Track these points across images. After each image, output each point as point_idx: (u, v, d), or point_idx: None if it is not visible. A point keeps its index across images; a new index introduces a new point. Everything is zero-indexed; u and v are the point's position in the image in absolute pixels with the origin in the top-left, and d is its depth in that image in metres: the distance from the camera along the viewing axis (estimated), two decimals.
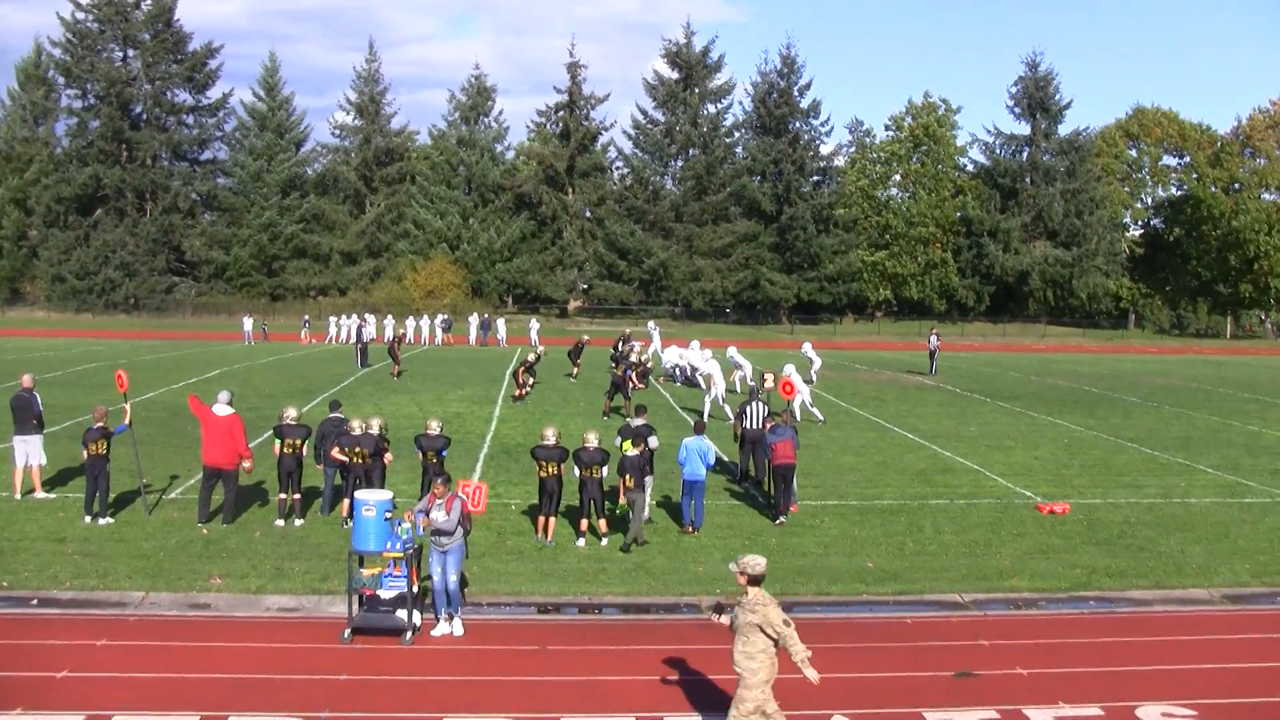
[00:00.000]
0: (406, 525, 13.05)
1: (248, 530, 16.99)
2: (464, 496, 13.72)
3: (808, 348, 41.64)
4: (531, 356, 35.46)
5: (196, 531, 16.80)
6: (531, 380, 34.27)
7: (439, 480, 13.19)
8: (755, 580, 9.47)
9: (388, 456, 17.38)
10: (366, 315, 65.43)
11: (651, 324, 53.90)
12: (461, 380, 40.22)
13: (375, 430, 17.48)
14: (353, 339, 57.98)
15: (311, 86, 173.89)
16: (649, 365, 38.29)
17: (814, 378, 40.42)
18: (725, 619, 9.87)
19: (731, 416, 29.00)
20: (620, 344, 38.61)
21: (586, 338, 43.61)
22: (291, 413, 18.03)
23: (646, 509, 17.49)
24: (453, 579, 12.87)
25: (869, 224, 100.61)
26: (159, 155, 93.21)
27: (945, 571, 15.59)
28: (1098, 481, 22.49)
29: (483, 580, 14.66)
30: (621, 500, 17.20)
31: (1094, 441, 28.17)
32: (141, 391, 33.92)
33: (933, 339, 48.69)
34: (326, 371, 42.94)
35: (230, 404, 17.72)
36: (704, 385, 33.97)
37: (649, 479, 17.49)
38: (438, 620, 12.88)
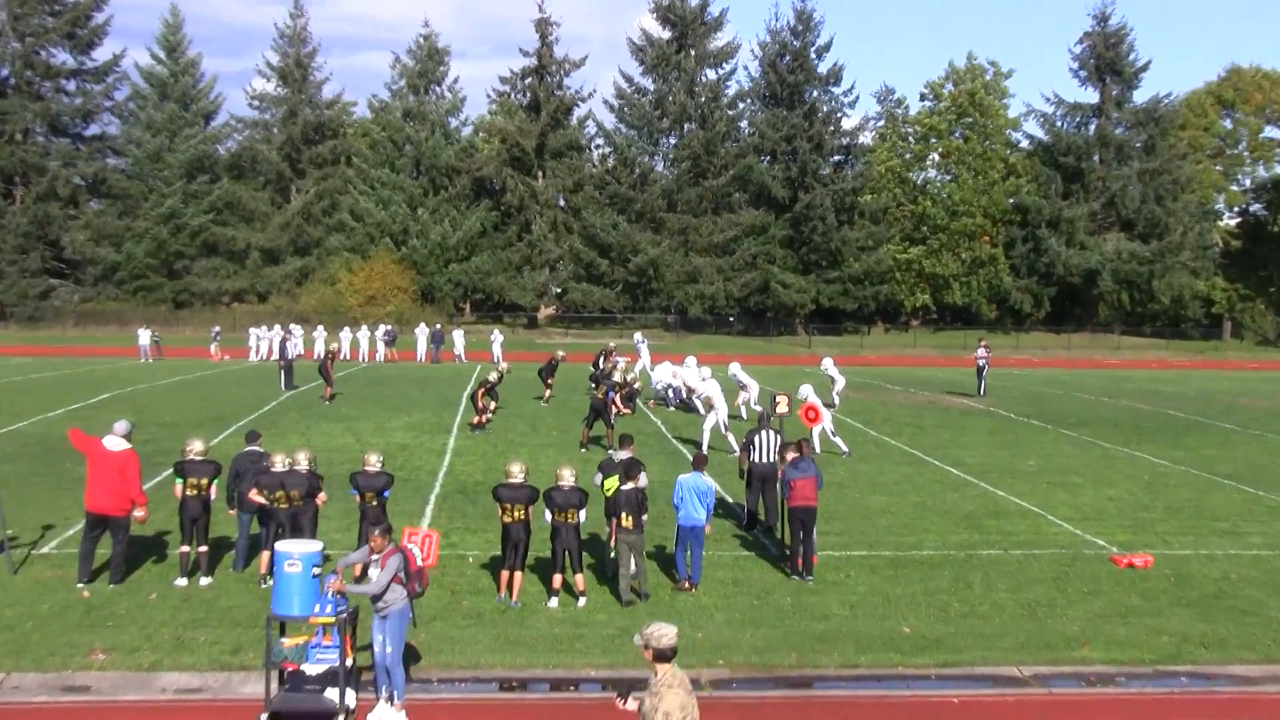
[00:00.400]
0: (329, 582, 12.91)
1: (140, 592, 16.80)
2: (412, 547, 13.59)
3: (829, 364, 41.66)
4: (493, 375, 35.35)
5: (75, 594, 16.60)
6: (493, 404, 34.15)
7: (376, 530, 13.04)
8: (662, 655, 9.06)
9: (321, 497, 17.24)
10: (292, 326, 65.32)
11: (639, 336, 53.91)
12: (408, 404, 40.08)
13: (304, 466, 17.33)
14: (275, 355, 57.94)
15: (223, 47, 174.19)
16: (636, 386, 38.16)
17: (836, 400, 40.42)
18: (634, 704, 9.34)
19: (736, 447, 28.89)
20: (601, 360, 38.57)
21: (561, 354, 43.48)
22: (197, 445, 17.86)
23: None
24: (390, 651, 12.73)
25: (902, 214, 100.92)
26: (31, 129, 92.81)
27: (999, 638, 15.49)
28: (1187, 527, 22.45)
29: (433, 650, 14.52)
30: (613, 544, 17.15)
31: (1182, 478, 28.15)
32: (8, 420, 33.69)
33: (980, 353, 48.76)
34: (243, 395, 42.77)
35: (128, 437, 17.53)
36: (702, 409, 33.88)
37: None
38: (377, 700, 12.74)
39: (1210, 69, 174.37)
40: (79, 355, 66.05)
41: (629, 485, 17.02)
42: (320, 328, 68.81)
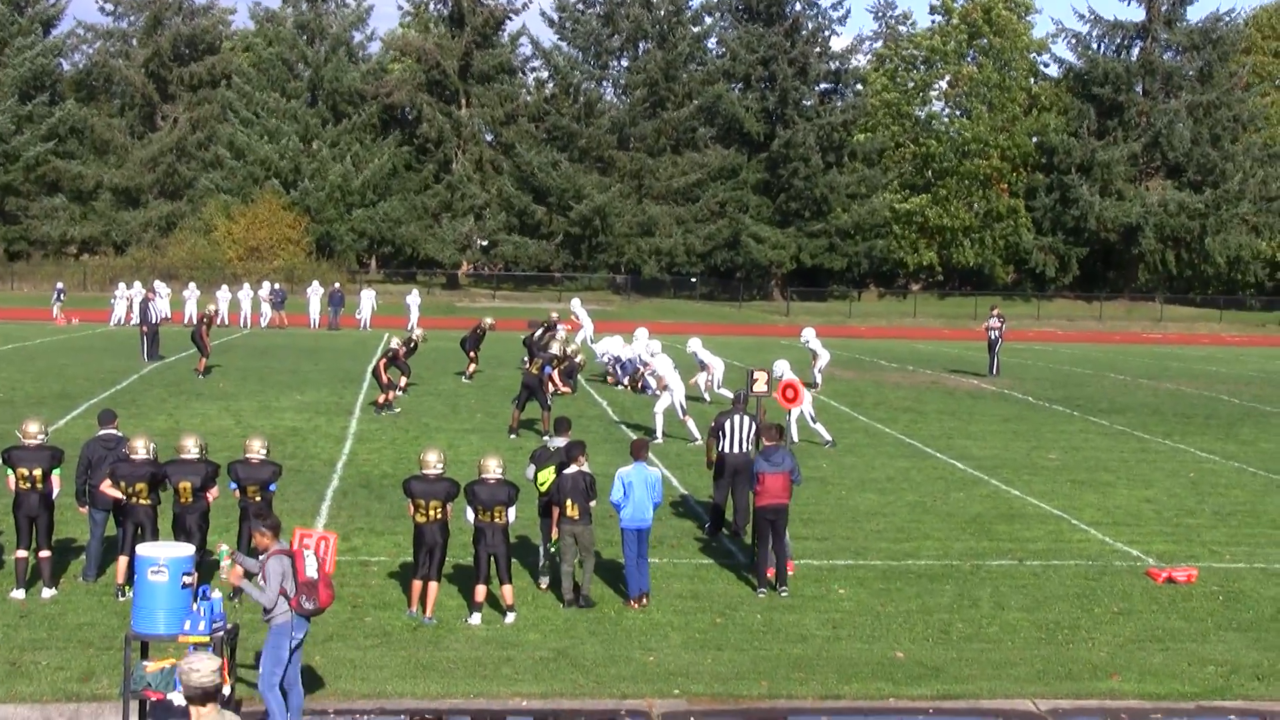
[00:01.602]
0: (225, 565, 12.96)
1: None
2: (306, 551, 13.55)
3: (810, 335, 41.72)
4: (396, 343, 35.34)
5: None
6: (402, 379, 34.14)
7: (261, 525, 13.08)
8: (196, 696, 8.61)
9: (213, 492, 17.22)
10: (157, 285, 64.95)
11: (576, 302, 53.68)
12: (300, 380, 39.96)
13: (193, 453, 17.27)
14: (135, 319, 57.56)
15: None
16: (578, 360, 38.16)
17: (818, 379, 40.55)
18: None
19: (696, 434, 29.15)
20: (540, 331, 38.54)
21: (490, 320, 43.50)
22: (33, 428, 17.71)
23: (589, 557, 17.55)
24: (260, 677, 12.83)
25: (902, 155, 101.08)
26: None
27: (1011, 666, 15.67)
28: (1240, 536, 22.69)
29: (331, 675, 14.57)
30: (554, 536, 17.23)
31: (1234, 477, 28.46)
32: None
33: (993, 323, 48.46)
34: (95, 367, 42.52)
35: None
36: (654, 387, 33.99)
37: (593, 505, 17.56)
38: None
39: None
40: None
41: (573, 468, 17.18)
42: (192, 286, 68.37)
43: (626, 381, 39.70)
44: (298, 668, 13.10)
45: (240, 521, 17.31)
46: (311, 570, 13.19)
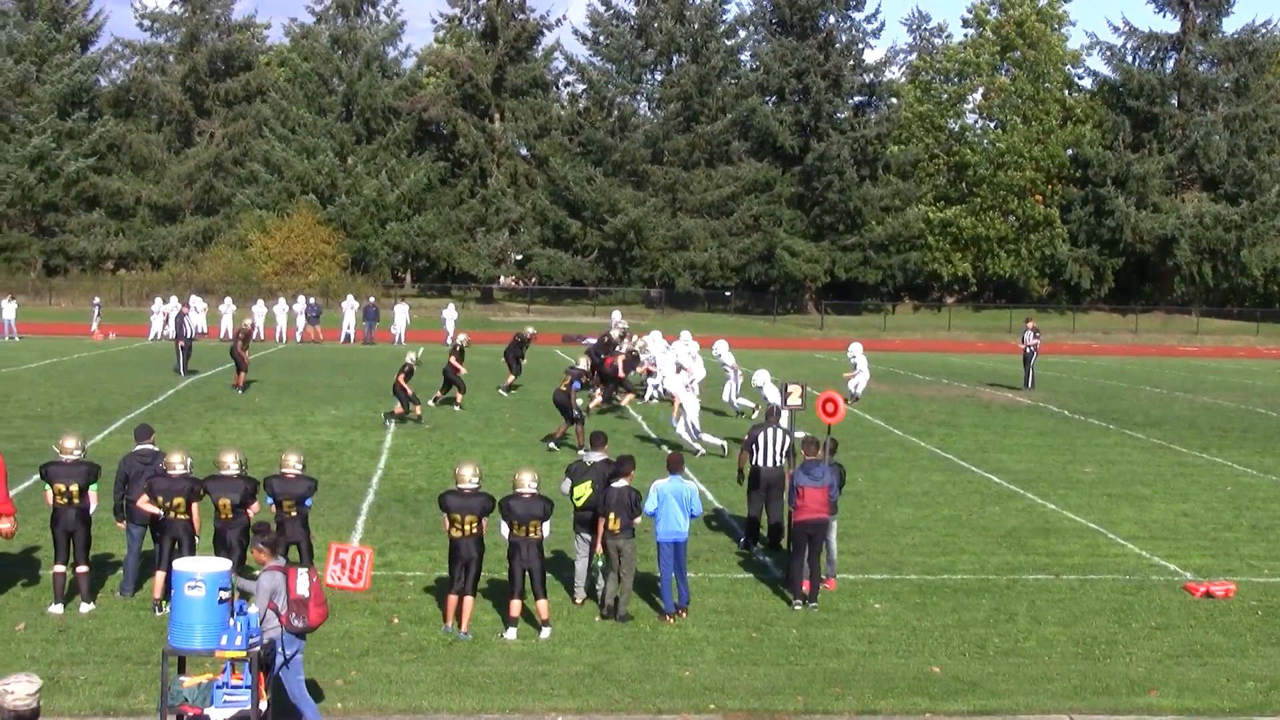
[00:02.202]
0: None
1: (6, 622, 16.82)
2: (301, 570, 13.44)
3: (856, 351, 41.50)
4: (411, 357, 35.73)
5: None
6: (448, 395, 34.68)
7: (259, 543, 13.20)
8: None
9: (254, 508, 17.27)
10: (194, 299, 65.24)
11: (617, 316, 53.76)
12: (335, 395, 40.09)
13: (233, 469, 17.33)
14: (171, 333, 57.85)
15: None
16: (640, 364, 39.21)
17: (856, 393, 40.51)
18: None
19: (697, 445, 29.42)
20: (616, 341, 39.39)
21: (530, 330, 43.74)
22: (70, 443, 17.78)
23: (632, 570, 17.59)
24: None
25: (936, 167, 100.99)
26: None
27: (1048, 681, 15.62)
28: (1278, 550, 22.61)
29: (366, 691, 14.60)
30: (599, 551, 17.34)
31: (1272, 491, 28.35)
32: None
33: (1028, 337, 48.49)
34: (132, 382, 42.73)
35: None
36: (670, 387, 34.64)
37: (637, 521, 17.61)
38: None
39: None
40: None
41: (621, 483, 17.25)
42: (228, 300, 68.68)
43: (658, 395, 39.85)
44: (301, 683, 13.11)
45: (276, 536, 17.32)
46: (303, 588, 13.11)
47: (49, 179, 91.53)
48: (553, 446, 30.36)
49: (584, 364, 34.01)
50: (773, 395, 36.22)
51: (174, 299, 65.73)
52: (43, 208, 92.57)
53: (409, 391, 33.97)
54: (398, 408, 34.15)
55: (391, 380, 34.79)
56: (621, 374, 37.25)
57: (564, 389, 31.41)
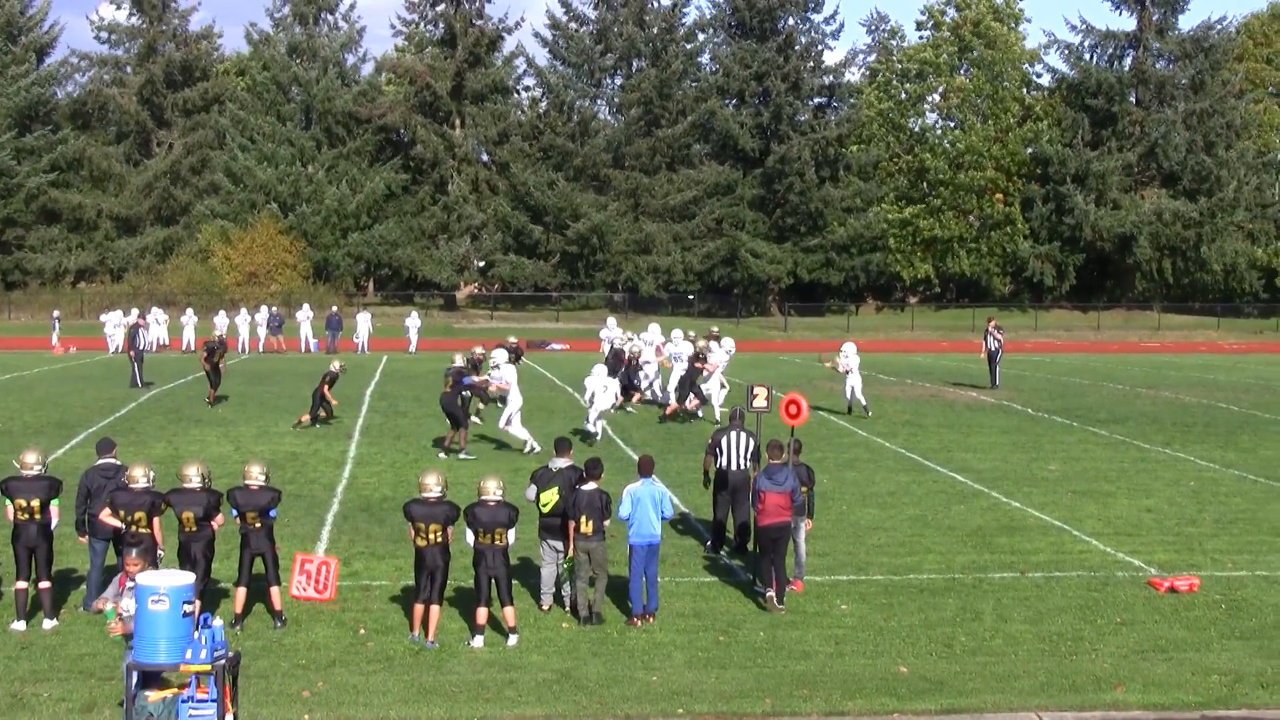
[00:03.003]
0: (111, 622, 12.95)
1: None
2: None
3: (849, 351, 40.28)
4: (336, 366, 35.97)
5: None
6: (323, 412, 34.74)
7: (134, 551, 13.19)
8: None
9: (218, 520, 17.21)
10: (154, 311, 65.07)
11: (611, 322, 53.35)
12: (299, 405, 39.86)
13: (196, 482, 17.26)
14: (129, 345, 57.69)
15: None
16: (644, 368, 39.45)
17: (864, 401, 39.79)
18: None
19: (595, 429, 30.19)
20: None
21: (513, 340, 43.58)
22: (31, 458, 17.73)
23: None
24: None
25: (896, 167, 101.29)
26: None
27: (1015, 679, 15.66)
28: (1241, 544, 22.70)
29: (332, 701, 14.57)
30: (570, 554, 17.40)
31: (1234, 485, 28.47)
32: None
33: (990, 339, 48.08)
34: (93, 395, 42.52)
35: None
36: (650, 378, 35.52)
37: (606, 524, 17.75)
38: None
39: None
40: None
41: (590, 485, 17.34)
42: (189, 312, 68.35)
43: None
44: None
45: (241, 549, 17.27)
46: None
47: (8, 195, 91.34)
48: (443, 455, 30.30)
49: (460, 361, 33.21)
50: (683, 349, 36.97)
51: (129, 312, 65.26)
52: (2, 223, 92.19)
53: (333, 401, 34.98)
54: (305, 416, 34.91)
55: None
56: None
57: (448, 391, 31.09)
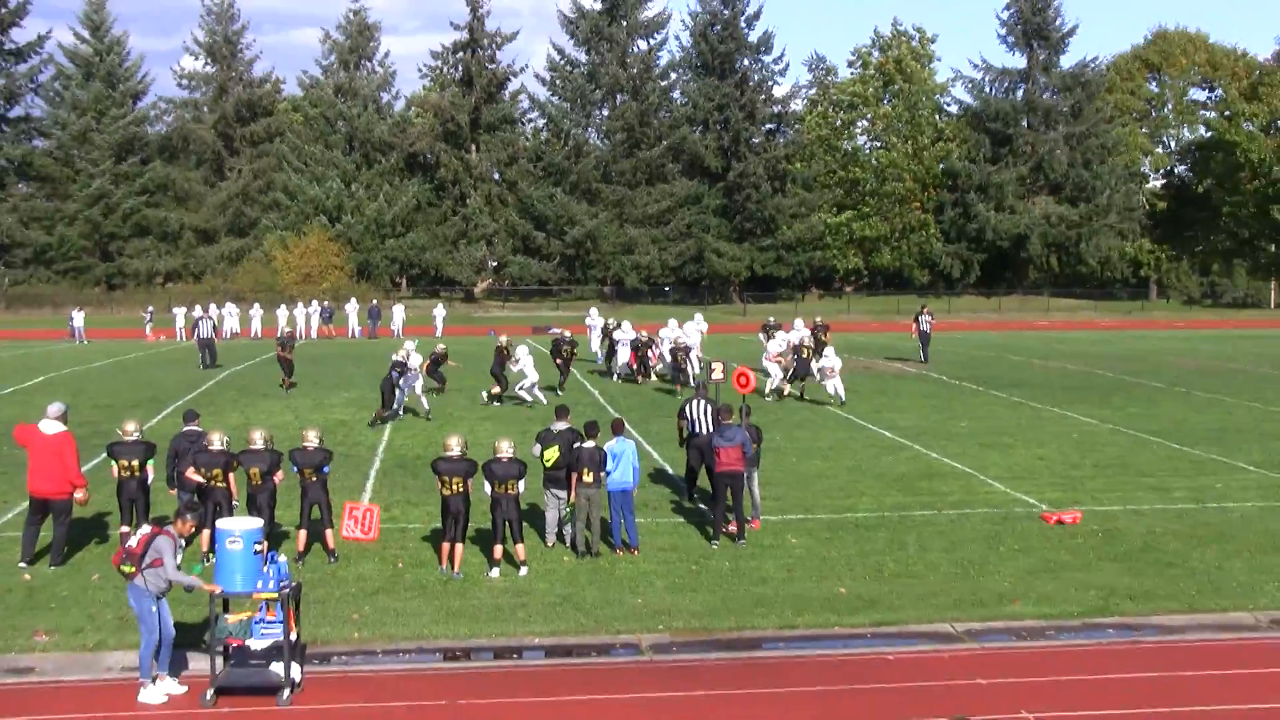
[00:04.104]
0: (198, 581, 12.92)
1: (83, 574, 16.70)
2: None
3: (829, 353, 38.83)
4: (440, 348, 35.60)
5: (15, 578, 16.48)
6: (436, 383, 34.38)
7: (187, 515, 13.17)
8: None
9: (279, 475, 17.21)
10: (227, 305, 64.94)
11: (593, 311, 52.70)
12: (347, 381, 39.91)
13: (259, 444, 17.24)
14: (193, 335, 57.72)
15: (149, 25, 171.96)
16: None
17: (842, 395, 38.12)
18: None
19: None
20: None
21: (556, 329, 42.95)
22: (130, 426, 17.88)
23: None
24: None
25: (833, 180, 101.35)
26: None
27: (933, 597, 15.72)
28: (1115, 484, 22.78)
29: (377, 623, 14.58)
30: (573, 499, 17.46)
31: (1110, 436, 28.56)
32: None
33: (924, 320, 47.23)
34: (179, 375, 42.40)
35: (63, 419, 17.40)
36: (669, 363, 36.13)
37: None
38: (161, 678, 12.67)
39: (1136, 32, 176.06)
40: (12, 338, 65.21)
41: (589, 443, 17.48)
42: (256, 306, 68.16)
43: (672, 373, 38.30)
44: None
45: (301, 498, 17.26)
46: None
47: (109, 213, 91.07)
48: (376, 424, 29.84)
49: (401, 355, 31.28)
50: (596, 322, 37.40)
51: (193, 308, 64.57)
52: (106, 237, 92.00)
53: (455, 366, 35.96)
54: (495, 387, 33.97)
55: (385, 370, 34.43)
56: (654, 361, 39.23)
57: (389, 377, 30.48)
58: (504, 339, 35.55)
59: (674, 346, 38.04)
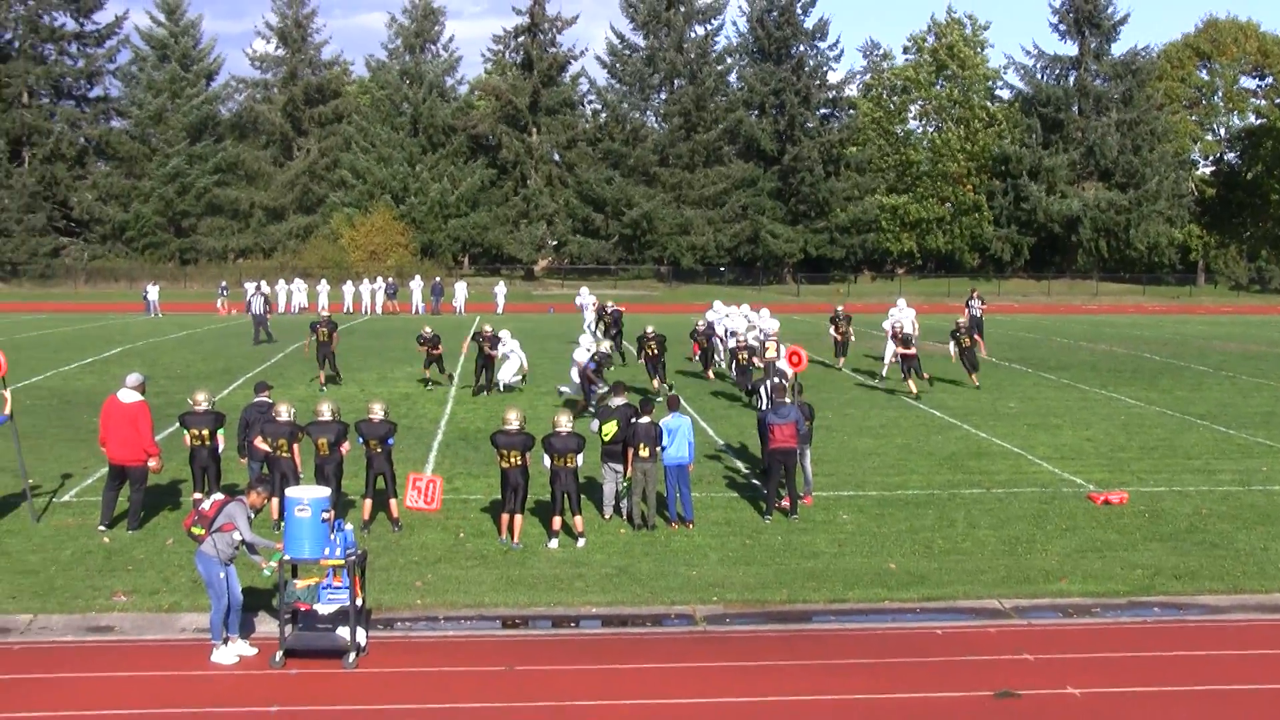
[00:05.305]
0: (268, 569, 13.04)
1: (158, 538, 16.92)
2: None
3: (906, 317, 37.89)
4: (488, 328, 35.05)
5: (95, 540, 16.72)
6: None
7: (259, 487, 13.39)
8: None
9: (345, 446, 17.33)
10: (295, 280, 65.59)
11: (584, 290, 51.52)
12: (410, 356, 40.06)
13: (326, 416, 17.35)
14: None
15: (222, 9, 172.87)
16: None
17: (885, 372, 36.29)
18: None
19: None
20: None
21: (611, 304, 41.60)
22: (201, 396, 18.04)
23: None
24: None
25: (886, 163, 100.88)
26: (36, 92, 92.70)
27: (981, 573, 15.66)
28: (1161, 466, 22.59)
29: (439, 590, 14.67)
30: (629, 473, 17.55)
31: (1156, 419, 28.31)
32: (24, 375, 33.73)
33: (974, 305, 46.52)
34: (249, 348, 42.80)
35: (140, 389, 17.61)
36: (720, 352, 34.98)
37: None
38: (233, 639, 12.80)
39: (1187, 21, 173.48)
40: (90, 311, 66.02)
41: (644, 420, 17.51)
42: (323, 282, 68.57)
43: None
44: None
45: (366, 468, 17.38)
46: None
47: (184, 192, 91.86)
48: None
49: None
50: (587, 300, 36.88)
51: (259, 283, 64.94)
52: (179, 214, 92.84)
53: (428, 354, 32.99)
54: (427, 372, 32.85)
55: (459, 346, 34.47)
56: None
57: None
58: (489, 327, 33.19)
59: (736, 345, 33.01)
